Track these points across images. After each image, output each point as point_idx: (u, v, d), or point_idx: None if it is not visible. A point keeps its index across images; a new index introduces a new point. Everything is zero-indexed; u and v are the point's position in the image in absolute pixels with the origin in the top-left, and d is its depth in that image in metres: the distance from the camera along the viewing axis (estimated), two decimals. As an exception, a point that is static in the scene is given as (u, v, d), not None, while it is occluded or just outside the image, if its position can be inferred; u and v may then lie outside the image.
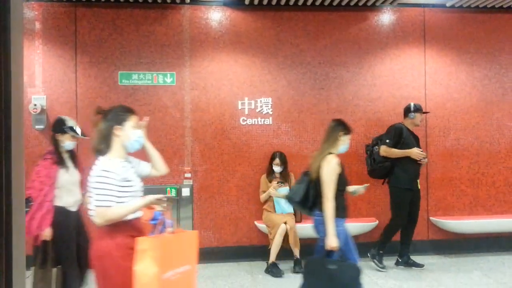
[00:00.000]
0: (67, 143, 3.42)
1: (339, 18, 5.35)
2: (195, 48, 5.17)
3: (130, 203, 2.15)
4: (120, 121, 2.23)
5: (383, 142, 4.79)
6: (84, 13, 5.03)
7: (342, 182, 3.06)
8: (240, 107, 5.20)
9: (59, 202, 3.32)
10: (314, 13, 5.30)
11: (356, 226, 4.94)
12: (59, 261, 3.32)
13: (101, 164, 2.14)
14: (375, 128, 5.30)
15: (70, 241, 3.35)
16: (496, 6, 5.43)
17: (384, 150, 4.75)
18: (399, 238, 4.88)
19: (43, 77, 4.97)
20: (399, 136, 4.73)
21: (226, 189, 5.17)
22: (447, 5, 5.39)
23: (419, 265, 4.76)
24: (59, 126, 3.43)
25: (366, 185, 3.32)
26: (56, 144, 3.41)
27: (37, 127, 4.86)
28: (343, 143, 3.17)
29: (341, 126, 3.19)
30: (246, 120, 5.19)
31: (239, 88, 5.21)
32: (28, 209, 3.17)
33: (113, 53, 5.06)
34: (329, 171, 3.00)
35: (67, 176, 3.37)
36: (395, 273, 4.63)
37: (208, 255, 4.79)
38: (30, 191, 3.20)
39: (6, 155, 0.61)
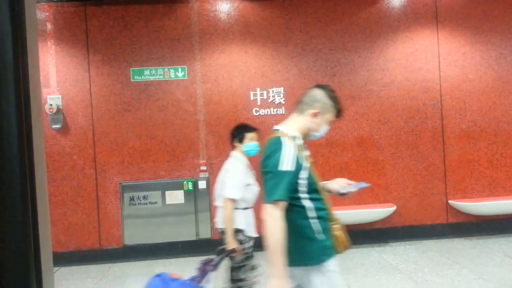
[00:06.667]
0: None
1: (349, 3, 5.27)
2: (205, 41, 5.18)
3: None
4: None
5: None
6: (94, 12, 5.07)
7: None
8: (252, 98, 5.20)
9: None
10: (323, -1, 5.24)
11: (373, 212, 4.94)
12: None
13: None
14: (390, 113, 5.25)
15: None
16: (511, -18, 5.29)
17: None
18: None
19: (57, 77, 5.05)
20: None
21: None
22: (459, -17, 5.26)
23: None
24: None
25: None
26: None
27: (54, 126, 4.95)
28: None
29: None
30: (259, 111, 5.19)
31: (251, 79, 5.21)
32: None
33: (124, 50, 5.10)
34: None
35: None
36: (414, 257, 4.62)
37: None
38: None
39: (28, 153, 0.63)
